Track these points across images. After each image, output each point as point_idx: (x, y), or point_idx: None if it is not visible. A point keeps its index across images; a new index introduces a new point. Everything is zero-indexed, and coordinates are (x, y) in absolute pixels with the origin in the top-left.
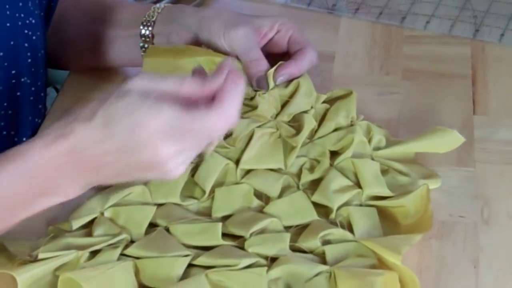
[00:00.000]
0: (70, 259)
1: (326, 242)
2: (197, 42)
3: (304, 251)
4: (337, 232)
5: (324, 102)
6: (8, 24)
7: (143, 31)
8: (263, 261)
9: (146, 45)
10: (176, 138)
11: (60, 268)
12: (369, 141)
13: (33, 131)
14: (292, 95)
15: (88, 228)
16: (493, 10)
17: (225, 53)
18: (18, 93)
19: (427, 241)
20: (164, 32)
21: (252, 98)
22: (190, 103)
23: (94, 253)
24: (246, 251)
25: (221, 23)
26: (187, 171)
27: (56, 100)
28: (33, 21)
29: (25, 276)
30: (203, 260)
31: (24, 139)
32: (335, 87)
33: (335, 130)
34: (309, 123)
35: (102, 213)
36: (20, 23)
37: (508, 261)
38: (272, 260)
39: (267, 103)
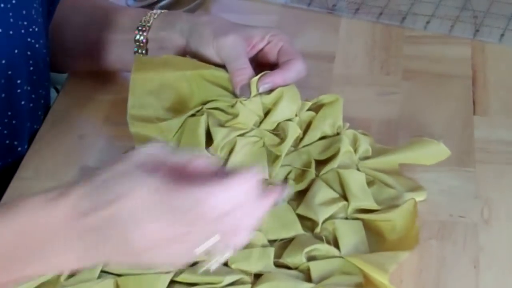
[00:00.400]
0: (49, 278)
1: (311, 258)
2: (186, 49)
3: (288, 267)
4: (323, 248)
5: (309, 109)
6: (11, 32)
7: (137, 36)
8: (247, 278)
9: (139, 50)
10: (159, 216)
11: (39, 287)
12: (355, 150)
13: (29, 137)
14: (275, 103)
15: None
16: (493, 10)
17: (212, 63)
18: (23, 102)
19: (427, 241)
20: (157, 38)
21: (233, 106)
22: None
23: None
24: (230, 267)
25: (211, 31)
26: None
27: (56, 100)
28: (36, 29)
29: None
30: (186, 276)
31: (26, 146)
32: (335, 87)
33: (321, 138)
34: (293, 131)
35: None
36: (23, 31)
37: (508, 261)
38: (256, 277)
39: (248, 110)
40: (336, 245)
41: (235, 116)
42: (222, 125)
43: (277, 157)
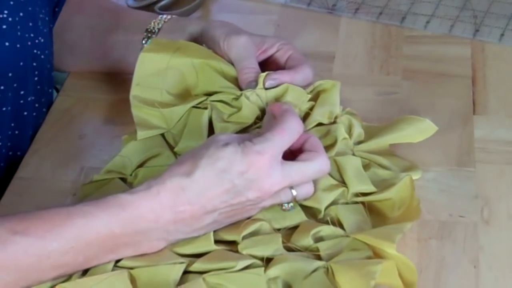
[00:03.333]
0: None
1: (318, 239)
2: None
3: (297, 250)
4: (328, 229)
5: (309, 100)
6: (18, 45)
7: (144, 40)
8: (259, 262)
9: None
10: (281, 170)
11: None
12: (350, 136)
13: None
14: (278, 98)
15: None
16: (493, 10)
17: (222, 57)
18: (25, 113)
19: (427, 241)
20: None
21: (237, 99)
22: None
23: (86, 270)
24: (241, 253)
25: (223, 31)
26: None
27: (56, 100)
28: (42, 40)
29: None
30: (199, 266)
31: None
32: None
33: (317, 125)
34: None
35: None
36: (29, 43)
37: (508, 261)
38: (267, 261)
39: (251, 104)
40: (341, 228)
41: (239, 109)
42: (225, 120)
43: None
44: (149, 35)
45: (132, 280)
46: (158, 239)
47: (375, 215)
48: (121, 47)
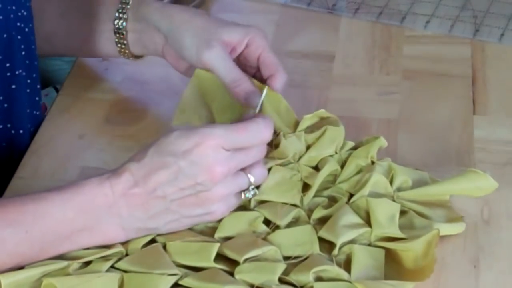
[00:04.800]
0: (59, 267)
1: (319, 279)
2: (166, 47)
3: (294, 285)
4: (332, 270)
5: (350, 149)
6: (0, 17)
7: (116, 27)
8: None
9: (121, 41)
10: (229, 154)
11: (47, 275)
12: (391, 182)
13: (32, 124)
14: (317, 139)
15: None
16: (493, 10)
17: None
18: (13, 86)
19: None
20: (136, 29)
21: (277, 135)
22: None
23: (87, 263)
24: (234, 277)
25: (192, 40)
26: None
27: (56, 100)
28: (25, 13)
29: (11, 279)
30: (188, 281)
31: (21, 131)
32: (335, 87)
33: (357, 173)
34: (331, 165)
35: None
36: (12, 15)
37: (508, 261)
38: None
39: (289, 143)
40: (349, 269)
41: (276, 146)
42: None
43: (310, 187)
44: (119, 23)
45: (121, 285)
46: (114, 226)
47: (395, 262)
48: (96, 36)
